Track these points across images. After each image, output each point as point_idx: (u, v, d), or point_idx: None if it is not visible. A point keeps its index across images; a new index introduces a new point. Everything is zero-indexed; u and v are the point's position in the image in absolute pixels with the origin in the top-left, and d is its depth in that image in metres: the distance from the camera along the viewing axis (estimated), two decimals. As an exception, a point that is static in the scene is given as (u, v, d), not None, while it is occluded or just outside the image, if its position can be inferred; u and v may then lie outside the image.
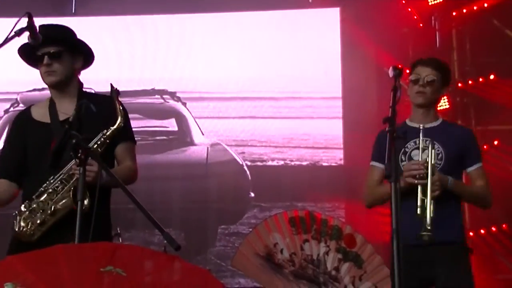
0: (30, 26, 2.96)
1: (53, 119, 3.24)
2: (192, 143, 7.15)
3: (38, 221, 3.04)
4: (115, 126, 3.13)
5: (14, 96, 7.32)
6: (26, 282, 2.13)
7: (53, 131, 3.18)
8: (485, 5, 6.58)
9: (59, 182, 3.06)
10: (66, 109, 3.24)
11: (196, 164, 7.04)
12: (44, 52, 3.20)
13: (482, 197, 3.43)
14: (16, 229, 3.05)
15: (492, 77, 6.36)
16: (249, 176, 6.95)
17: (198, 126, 7.18)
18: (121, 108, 3.15)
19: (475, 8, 6.61)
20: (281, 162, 7.06)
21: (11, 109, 7.30)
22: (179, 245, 2.65)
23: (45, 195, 3.06)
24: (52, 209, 3.03)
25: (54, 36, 3.23)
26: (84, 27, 7.38)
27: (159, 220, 2.83)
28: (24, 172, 3.23)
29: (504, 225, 5.99)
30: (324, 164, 7.01)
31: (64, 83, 3.27)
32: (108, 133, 3.12)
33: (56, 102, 3.29)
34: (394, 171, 2.75)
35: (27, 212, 3.06)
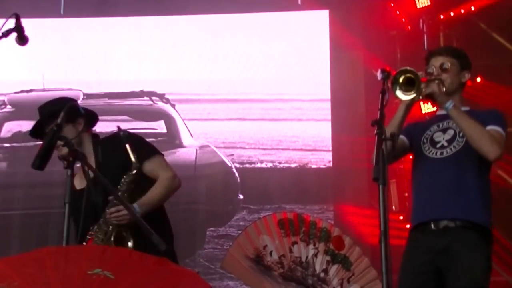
0: (18, 27, 2.95)
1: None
2: (181, 145, 7.13)
3: None
4: (133, 172, 3.29)
5: (1, 98, 7.28)
6: (12, 285, 2.12)
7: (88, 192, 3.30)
8: (472, 8, 6.61)
9: (99, 230, 3.25)
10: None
11: (184, 166, 7.02)
12: (48, 131, 3.27)
13: (481, 135, 3.14)
14: None
15: (479, 80, 6.39)
16: (238, 178, 6.95)
17: (187, 128, 7.17)
18: (132, 150, 3.27)
19: (462, 11, 6.64)
20: (270, 164, 7.06)
21: (-1, 110, 7.27)
22: (167, 248, 2.65)
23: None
24: None
25: (49, 113, 3.38)
26: (72, 29, 7.43)
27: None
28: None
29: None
30: (313, 166, 7.02)
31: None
32: (128, 179, 3.29)
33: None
34: (382, 174, 2.75)
35: None
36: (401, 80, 3.09)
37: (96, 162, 3.42)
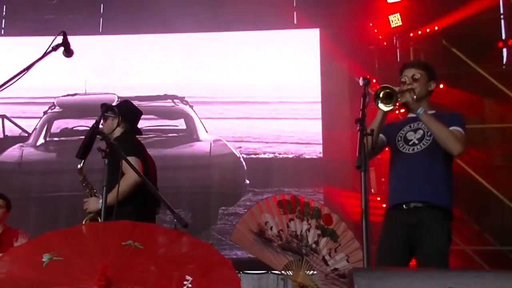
0: (65, 43, 2.94)
1: None
2: (198, 139, 7.13)
3: None
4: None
5: (51, 100, 7.28)
6: (60, 253, 2.11)
7: None
8: (436, 28, 6.61)
9: None
10: None
11: (201, 156, 7.02)
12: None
13: (447, 135, 3.14)
14: None
15: (441, 86, 6.38)
16: (245, 166, 6.94)
17: (203, 125, 7.16)
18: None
19: (428, 30, 6.65)
20: (271, 155, 7.04)
21: (49, 111, 7.27)
22: (187, 223, 2.64)
23: None
24: None
25: (102, 106, 3.70)
26: (109, 43, 7.42)
27: (170, 202, 2.82)
28: None
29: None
30: (307, 156, 7.00)
31: (110, 135, 3.73)
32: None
33: None
34: (364, 163, 2.74)
35: None
36: (381, 95, 3.09)
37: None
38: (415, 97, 3.23)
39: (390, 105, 3.09)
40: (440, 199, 3.19)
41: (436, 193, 3.18)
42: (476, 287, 1.81)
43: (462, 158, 6.17)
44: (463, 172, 6.22)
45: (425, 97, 3.34)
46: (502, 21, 6.82)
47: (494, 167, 6.53)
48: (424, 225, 3.14)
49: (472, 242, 6.33)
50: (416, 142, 3.28)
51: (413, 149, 3.28)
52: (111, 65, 7.20)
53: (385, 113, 3.19)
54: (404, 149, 3.30)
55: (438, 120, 3.19)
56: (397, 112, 5.27)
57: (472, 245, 6.31)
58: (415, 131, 3.32)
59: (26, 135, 7.24)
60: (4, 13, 7.41)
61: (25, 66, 2.80)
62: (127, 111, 3.91)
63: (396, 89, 3.16)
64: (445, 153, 3.21)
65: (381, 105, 3.09)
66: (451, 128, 3.19)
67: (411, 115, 3.39)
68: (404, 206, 3.21)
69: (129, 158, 3.40)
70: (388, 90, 3.09)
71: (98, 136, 3.01)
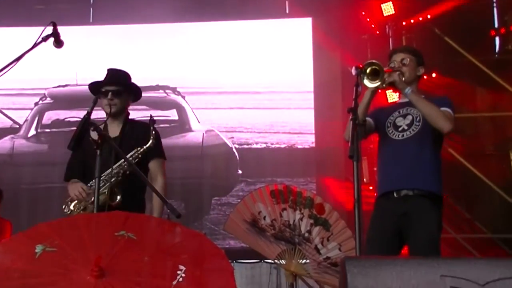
0: (55, 33, 2.92)
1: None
2: (190, 130, 7.12)
3: (82, 207, 3.27)
4: (147, 145, 3.34)
5: (43, 91, 7.24)
6: (53, 243, 2.12)
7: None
8: (428, 16, 6.62)
9: (102, 181, 3.17)
10: (114, 131, 3.43)
11: (193, 147, 7.02)
12: (108, 89, 3.38)
13: (436, 113, 3.13)
14: (66, 211, 3.28)
15: (434, 75, 6.40)
16: (237, 156, 6.95)
17: (195, 116, 7.15)
18: (153, 132, 3.37)
19: (420, 19, 6.66)
20: (264, 145, 7.05)
21: (40, 102, 7.24)
22: (180, 214, 2.65)
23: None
24: (93, 199, 3.09)
25: (117, 79, 3.49)
26: (100, 34, 7.38)
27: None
28: (84, 174, 3.40)
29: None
30: (299, 146, 7.02)
31: (119, 113, 3.47)
32: (141, 150, 3.34)
33: (108, 124, 3.46)
34: (356, 152, 2.74)
35: (76, 200, 3.28)
36: (368, 70, 3.06)
37: (122, 132, 3.46)
38: (403, 78, 3.23)
39: (376, 82, 3.06)
40: (431, 186, 3.20)
41: (427, 180, 3.19)
42: (467, 275, 1.83)
43: (453, 146, 6.22)
44: (454, 161, 6.26)
45: (414, 81, 3.33)
46: (495, 10, 6.84)
47: (485, 156, 6.58)
48: (415, 213, 3.15)
49: (463, 230, 6.39)
50: (406, 128, 3.27)
51: (403, 135, 3.27)
52: (102, 55, 7.15)
53: (373, 93, 3.16)
54: (394, 135, 3.29)
55: (427, 99, 3.19)
56: (389, 100, 5.29)
57: (463, 233, 6.36)
58: (404, 116, 3.31)
59: (17, 126, 7.21)
60: (-7, 3, 7.34)
61: (15, 57, 2.79)
62: (134, 85, 3.63)
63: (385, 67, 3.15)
64: (435, 138, 3.22)
65: (366, 81, 3.05)
66: (440, 109, 3.18)
67: (401, 100, 3.39)
68: (394, 194, 3.21)
69: (160, 160, 3.50)
70: (375, 67, 3.07)
71: (90, 127, 2.99)
